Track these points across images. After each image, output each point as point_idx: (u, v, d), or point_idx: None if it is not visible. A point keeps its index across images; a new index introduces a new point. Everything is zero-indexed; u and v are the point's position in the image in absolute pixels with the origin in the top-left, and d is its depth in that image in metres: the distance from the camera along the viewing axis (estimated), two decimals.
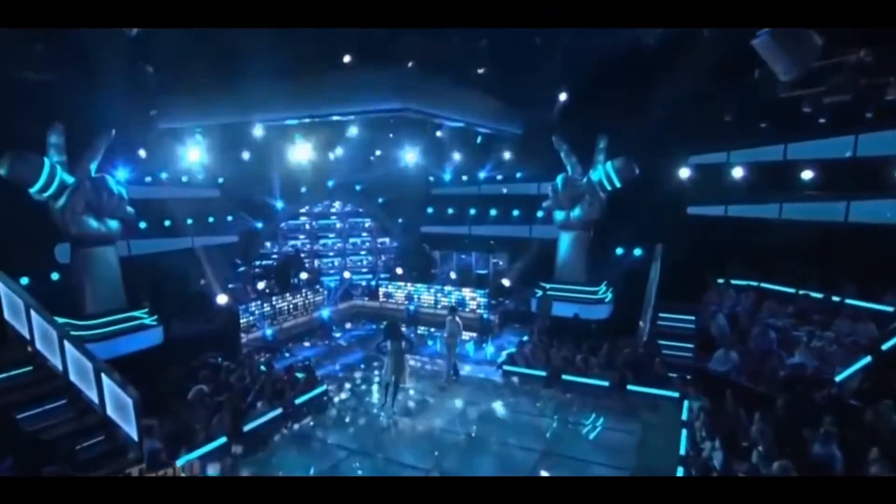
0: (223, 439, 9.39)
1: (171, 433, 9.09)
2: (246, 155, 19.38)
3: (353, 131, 17.01)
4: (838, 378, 11.04)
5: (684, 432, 9.79)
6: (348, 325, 17.77)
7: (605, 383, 12.29)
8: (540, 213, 21.24)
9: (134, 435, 9.00)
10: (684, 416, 10.52)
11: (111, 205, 13.78)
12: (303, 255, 21.87)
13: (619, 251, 18.85)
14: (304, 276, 19.28)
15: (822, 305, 13.50)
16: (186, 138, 16.91)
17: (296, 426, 10.70)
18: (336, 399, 12.09)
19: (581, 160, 18.32)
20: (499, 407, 11.64)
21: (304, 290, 18.21)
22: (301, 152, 19.23)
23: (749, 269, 15.91)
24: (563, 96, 17.73)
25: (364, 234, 24.18)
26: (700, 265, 16.60)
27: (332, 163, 20.90)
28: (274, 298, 16.85)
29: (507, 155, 20.56)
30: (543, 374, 12.93)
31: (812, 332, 12.46)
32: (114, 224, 14.04)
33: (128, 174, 15.91)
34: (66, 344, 10.29)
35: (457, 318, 13.25)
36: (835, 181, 14.70)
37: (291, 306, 17.43)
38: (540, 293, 18.07)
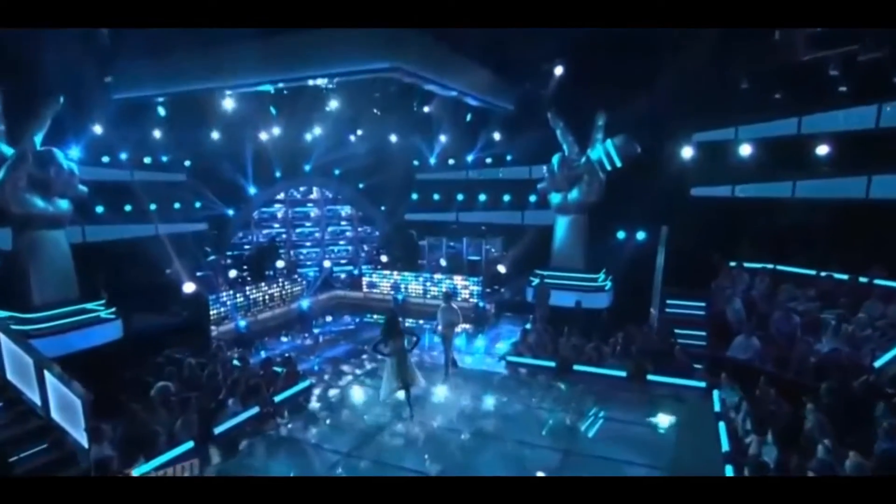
0: (189, 444, 7.91)
1: (127, 438, 7.60)
2: (215, 135, 17.81)
3: (332, 105, 15.54)
4: (877, 364, 10.06)
5: (722, 426, 8.65)
6: (329, 318, 16.28)
7: (622, 373, 11.11)
8: (533, 198, 20.14)
9: (84, 441, 7.66)
10: (716, 408, 9.37)
11: (60, 181, 12.15)
12: (279, 245, 20.28)
13: (621, 235, 17.69)
14: (280, 263, 17.73)
15: (848, 287, 12.50)
16: (148, 113, 15.25)
17: (276, 427, 9.24)
18: (320, 395, 10.64)
19: (578, 139, 17.18)
20: (508, 401, 10.34)
21: (280, 280, 16.66)
22: (276, 130, 17.74)
23: (762, 252, 14.89)
24: (558, 69, 16.60)
25: (343, 222, 22.66)
26: (708, 248, 15.58)
27: (310, 144, 19.40)
28: (248, 288, 15.28)
29: (497, 136, 19.30)
30: (551, 364, 11.69)
31: (841, 316, 11.40)
32: (64, 204, 12.42)
33: (80, 152, 14.26)
34: (2, 337, 8.82)
35: (453, 305, 11.88)
36: (855, 155, 13.72)
37: (267, 297, 15.88)
38: (536, 281, 16.88)
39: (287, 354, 11.36)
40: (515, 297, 17.42)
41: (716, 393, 9.98)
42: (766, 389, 8.81)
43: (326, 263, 20.03)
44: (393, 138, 20.09)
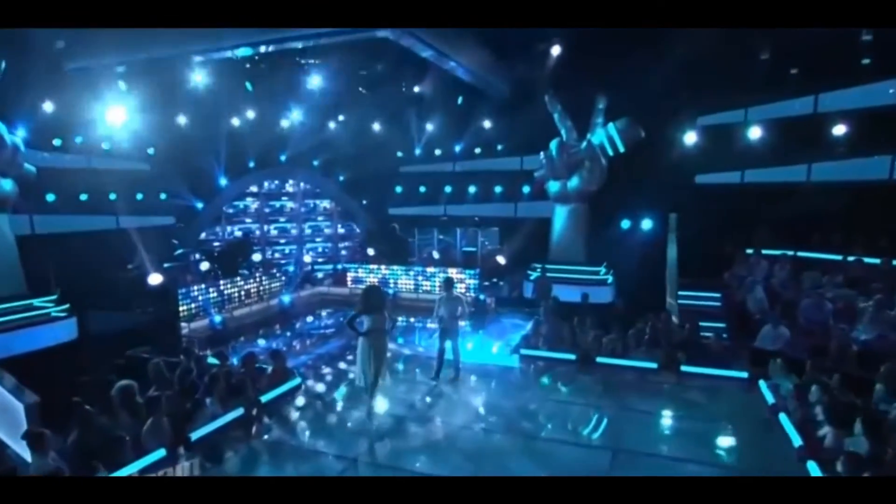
0: (160, 452, 6.40)
1: (82, 446, 6.08)
2: (182, 119, 16.23)
3: (315, 82, 14.15)
4: None
5: (783, 417, 7.55)
6: (310, 319, 14.76)
7: (652, 365, 9.98)
8: (526, 189, 19.05)
9: (27, 454, 6.13)
10: (769, 399, 8.28)
11: (3, 157, 10.51)
12: (253, 240, 18.64)
13: (625, 225, 16.69)
14: (256, 257, 16.15)
15: (881, 271, 11.67)
16: (107, 90, 13.61)
17: (265, 431, 7.75)
18: (315, 394, 9.18)
19: (577, 123, 16.18)
20: (534, 397, 9.03)
21: (258, 275, 15.07)
22: (251, 114, 16.25)
23: (779, 238, 14.03)
24: (556, 48, 15.60)
25: (321, 217, 21.12)
26: (719, 237, 14.67)
27: (287, 131, 17.93)
28: (222, 283, 13.67)
29: (488, 123, 18.16)
30: (569, 357, 10.47)
31: (880, 301, 10.52)
32: (6, 184, 10.78)
33: (27, 132, 12.53)
34: None
35: (456, 293, 10.39)
36: (876, 134, 12.97)
37: (243, 293, 14.28)
38: (535, 275, 15.73)
39: (275, 348, 9.82)
40: (513, 292, 16.21)
41: (762, 383, 8.91)
42: (836, 379, 7.78)
43: (307, 258, 18.50)
44: (376, 126, 18.76)
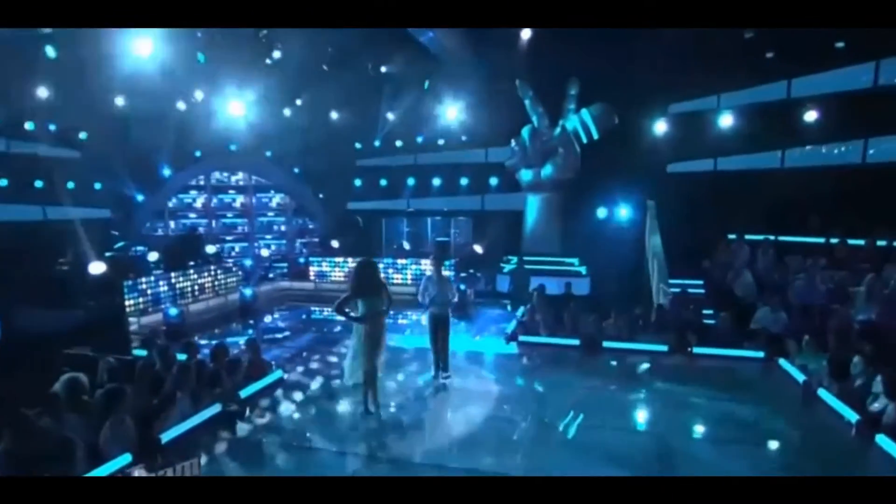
0: (126, 457, 5.13)
1: (16, 455, 4.74)
2: (120, 100, 14.56)
3: (275, 55, 12.91)
4: None
5: (824, 393, 7.05)
6: (267, 319, 13.33)
7: (662, 347, 9.40)
8: (493, 181, 18.38)
9: None
10: (799, 378, 7.79)
11: None
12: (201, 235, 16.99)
13: (601, 214, 16.25)
14: (210, 248, 14.60)
15: (866, 252, 11.67)
16: (28, 59, 11.85)
17: (248, 428, 6.53)
18: (301, 389, 7.95)
19: (549, 110, 15.67)
20: (550, 384, 8.13)
21: (213, 269, 13.57)
22: (199, 95, 14.76)
23: (757, 224, 13.90)
24: (525, 32, 15.03)
25: (271, 213, 19.64)
26: (696, 224, 14.40)
27: (238, 116, 16.48)
28: (173, 276, 12.15)
29: (453, 113, 17.39)
30: (572, 342, 9.73)
31: (873, 280, 10.43)
32: None
33: None
34: None
35: (446, 274, 9.05)
36: (848, 118, 13.03)
37: (197, 287, 12.77)
38: (509, 268, 15.02)
39: (251, 338, 8.51)
40: (487, 285, 15.43)
41: (783, 362, 8.47)
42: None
43: (265, 252, 17.06)
44: (335, 115, 17.62)
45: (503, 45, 15.14)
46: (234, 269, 14.25)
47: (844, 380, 7.16)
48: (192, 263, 13.55)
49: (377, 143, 18.97)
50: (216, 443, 6.12)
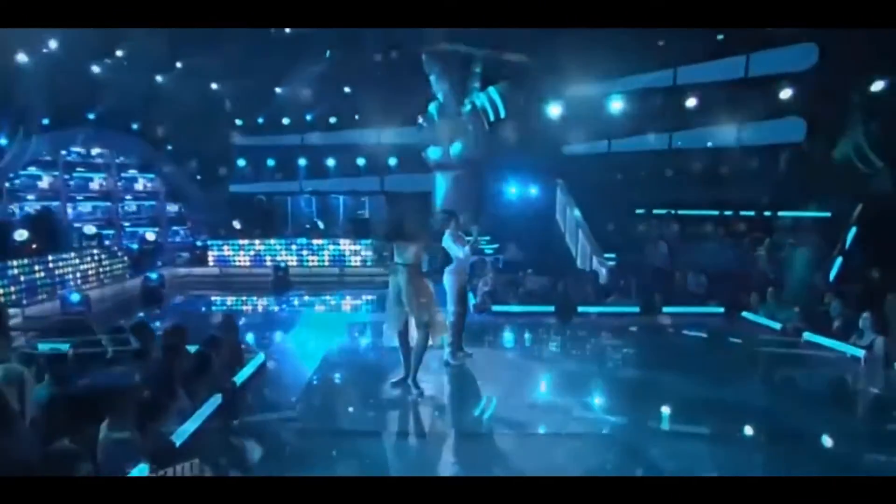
0: (141, 469, 3.84)
1: None
2: None
3: None
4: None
5: (810, 335, 7.84)
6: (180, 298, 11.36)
7: (633, 309, 9.82)
8: (393, 161, 17.73)
9: None
10: (775, 326, 8.59)
11: None
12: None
13: (512, 194, 16.45)
14: (89, 229, 12.13)
15: (752, 222, 13.34)
16: None
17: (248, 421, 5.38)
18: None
19: (454, 87, 15.47)
20: (536, 360, 7.85)
21: (97, 254, 11.26)
22: (52, 43, 12.20)
23: (657, 199, 15.09)
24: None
25: (139, 197, 16.95)
26: (603, 200, 15.13)
27: (97, 79, 13.98)
28: (50, 260, 9.81)
29: (348, 88, 16.48)
30: (546, 309, 9.64)
31: (771, 244, 12.07)
32: None
33: None
34: None
35: (460, 233, 6.96)
36: (725, 105, 14.58)
37: (79, 273, 10.47)
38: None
39: (227, 316, 6.95)
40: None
41: (748, 315, 9.45)
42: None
43: (150, 236, 14.57)
44: (215, 85, 15.78)
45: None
46: (119, 254, 11.99)
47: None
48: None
49: (261, 120, 17.37)
50: (230, 438, 4.99)
